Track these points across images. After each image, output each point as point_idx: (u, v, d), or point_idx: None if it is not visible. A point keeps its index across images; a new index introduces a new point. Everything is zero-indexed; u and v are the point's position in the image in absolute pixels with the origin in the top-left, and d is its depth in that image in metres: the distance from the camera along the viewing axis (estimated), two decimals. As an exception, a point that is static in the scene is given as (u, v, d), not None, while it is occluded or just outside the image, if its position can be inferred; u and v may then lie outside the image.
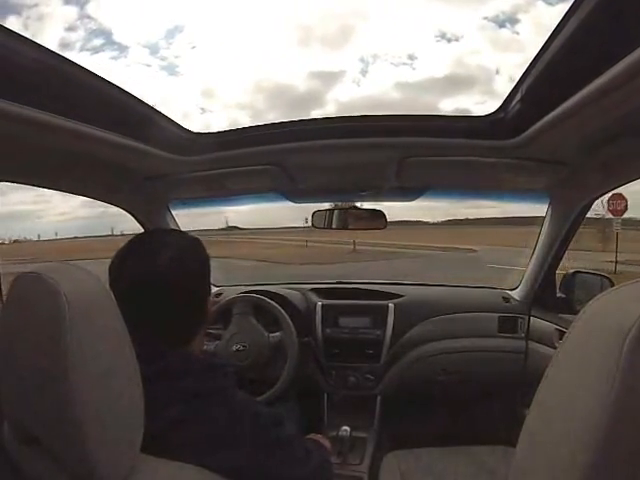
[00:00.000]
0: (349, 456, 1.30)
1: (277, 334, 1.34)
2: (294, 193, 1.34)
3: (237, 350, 1.29)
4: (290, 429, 0.70)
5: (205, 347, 1.22)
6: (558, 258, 1.35)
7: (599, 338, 0.34)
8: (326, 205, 1.42)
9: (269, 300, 1.36)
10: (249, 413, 0.62)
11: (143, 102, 0.84)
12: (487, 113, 0.91)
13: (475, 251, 14.84)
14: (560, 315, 1.36)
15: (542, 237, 1.36)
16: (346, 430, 1.30)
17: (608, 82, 0.60)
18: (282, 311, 1.34)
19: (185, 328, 0.66)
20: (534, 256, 1.41)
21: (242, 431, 0.59)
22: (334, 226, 1.37)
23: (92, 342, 0.43)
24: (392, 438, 1.44)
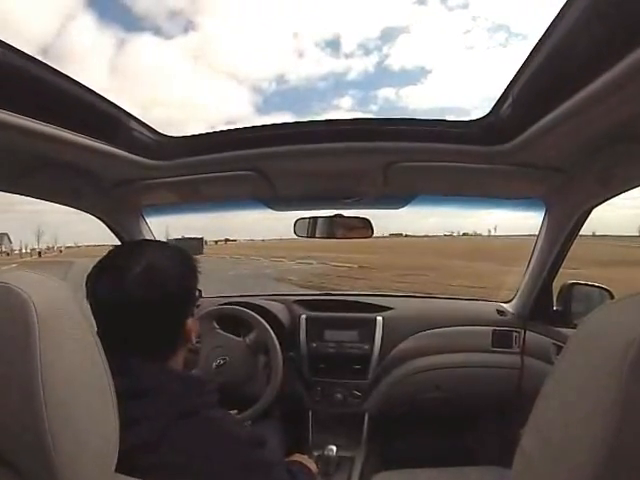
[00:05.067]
0: (335, 477, 1.25)
1: (251, 334, 1.27)
2: (275, 201, 1.30)
3: (218, 365, 1.23)
4: (273, 451, 0.68)
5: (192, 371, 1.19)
6: (555, 269, 1.30)
7: (599, 353, 0.33)
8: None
9: (246, 310, 1.30)
10: (227, 434, 0.59)
11: (112, 103, 0.81)
12: (478, 117, 0.88)
13: None
14: (557, 329, 1.31)
15: (538, 247, 1.31)
16: (332, 449, 1.26)
17: (603, 87, 0.57)
18: (259, 318, 1.27)
19: (160, 346, 0.63)
20: (530, 267, 1.36)
21: (219, 454, 0.56)
22: (317, 235, 1.32)
23: (64, 357, 0.41)
24: (381, 458, 1.40)
